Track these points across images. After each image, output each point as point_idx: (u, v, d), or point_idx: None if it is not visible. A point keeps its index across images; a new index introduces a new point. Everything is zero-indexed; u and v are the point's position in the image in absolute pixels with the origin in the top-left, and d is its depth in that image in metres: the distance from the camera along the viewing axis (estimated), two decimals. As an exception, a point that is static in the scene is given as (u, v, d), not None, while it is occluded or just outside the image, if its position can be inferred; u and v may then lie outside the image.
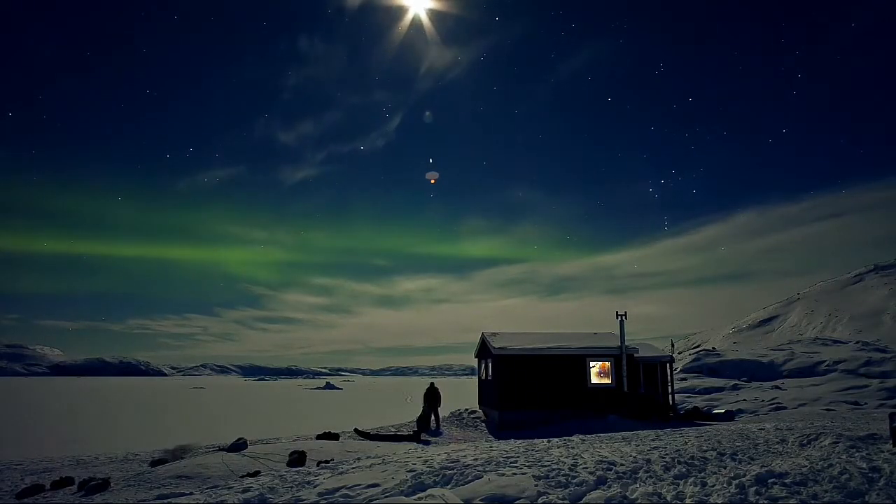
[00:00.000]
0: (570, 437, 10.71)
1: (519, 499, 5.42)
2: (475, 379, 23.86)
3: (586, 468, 6.46)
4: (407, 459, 7.82)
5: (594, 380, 18.88)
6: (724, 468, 6.52)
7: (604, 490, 5.61)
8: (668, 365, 20.21)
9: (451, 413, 21.44)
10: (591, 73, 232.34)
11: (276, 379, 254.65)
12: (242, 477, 9.03)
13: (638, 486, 5.70)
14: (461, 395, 36.70)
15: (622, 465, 6.63)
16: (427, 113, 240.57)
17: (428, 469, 6.74)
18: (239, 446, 12.75)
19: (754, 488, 5.39)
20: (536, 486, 5.77)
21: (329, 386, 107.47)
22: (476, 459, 7.21)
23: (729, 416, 20.67)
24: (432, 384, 19.27)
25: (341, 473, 7.10)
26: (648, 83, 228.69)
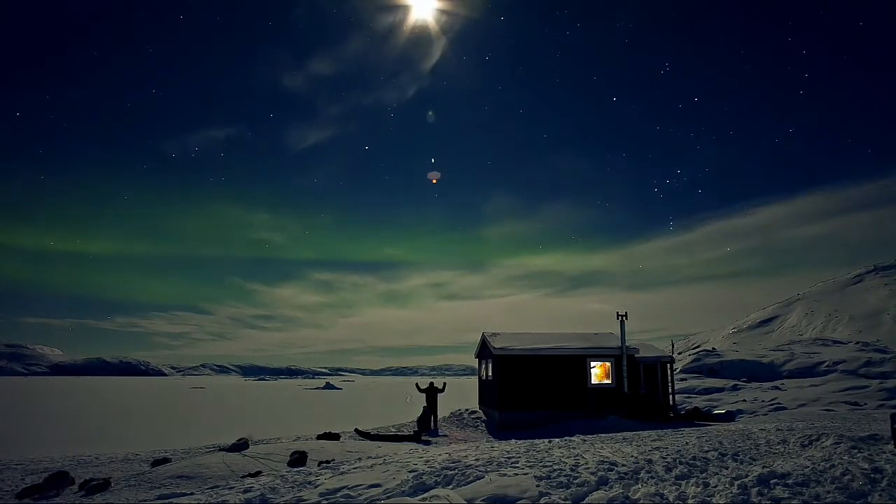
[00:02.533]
0: (571, 438, 10.70)
1: (521, 499, 5.41)
2: (475, 379, 23.85)
3: (588, 468, 6.46)
4: (408, 460, 7.82)
5: (594, 380, 18.87)
6: (726, 469, 6.51)
7: (606, 490, 5.60)
8: (668, 365, 20.20)
9: (451, 413, 21.43)
10: (595, 72, 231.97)
11: (276, 379, 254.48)
12: (243, 477, 9.03)
13: (640, 486, 5.70)
14: (461, 395, 36.70)
15: (624, 465, 6.63)
16: (430, 112, 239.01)
17: (429, 469, 6.73)
18: (240, 446, 12.75)
19: (756, 489, 5.39)
20: (538, 486, 5.77)
21: (329, 386, 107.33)
22: (477, 460, 7.20)
23: (729, 417, 20.67)
24: (431, 383, 19.25)
25: (342, 474, 7.10)
26: (653, 83, 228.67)
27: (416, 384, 19.82)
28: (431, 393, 18.70)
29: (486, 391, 21.07)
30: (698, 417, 20.41)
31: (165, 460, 12.29)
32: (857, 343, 39.05)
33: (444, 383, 20.16)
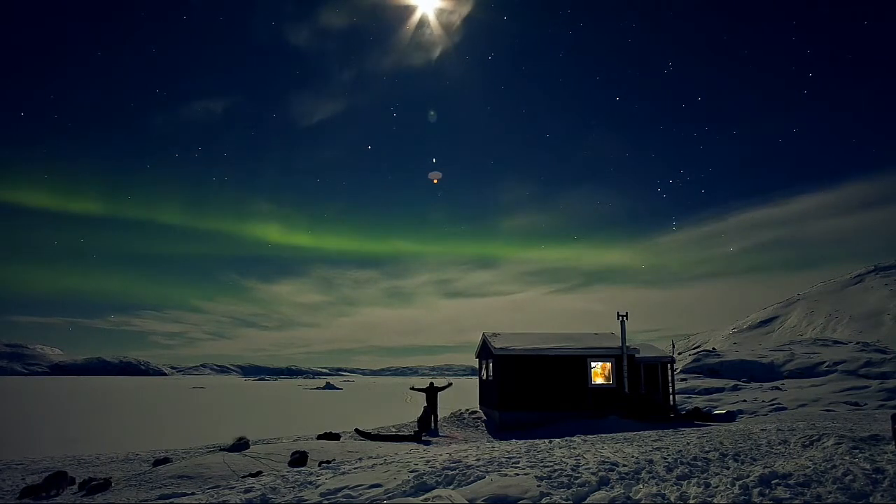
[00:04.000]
0: (572, 438, 10.70)
1: (522, 499, 5.41)
2: (476, 379, 23.85)
3: (588, 469, 6.46)
4: (409, 460, 7.82)
5: (595, 380, 18.86)
6: (727, 469, 6.51)
7: (607, 491, 5.60)
8: (668, 365, 20.18)
9: (452, 413, 21.43)
10: (598, 72, 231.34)
11: (276, 379, 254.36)
12: (244, 477, 9.03)
13: (641, 486, 5.69)
14: (461, 395, 36.69)
15: (624, 465, 6.62)
16: (432, 112, 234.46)
17: (430, 469, 6.73)
18: (240, 446, 12.73)
19: (758, 489, 5.38)
20: (539, 486, 5.76)
21: (329, 386, 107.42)
22: (478, 460, 7.20)
23: (730, 417, 20.66)
24: (431, 383, 19.25)
25: (343, 474, 7.10)
26: (657, 82, 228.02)
27: (412, 387, 19.75)
28: (432, 393, 18.69)
29: (487, 391, 21.07)
30: (699, 418, 20.40)
31: (166, 460, 12.29)
32: (858, 343, 39.03)
33: (450, 382, 20.07)
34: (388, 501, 5.60)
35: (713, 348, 43.46)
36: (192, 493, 7.34)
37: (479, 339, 21.84)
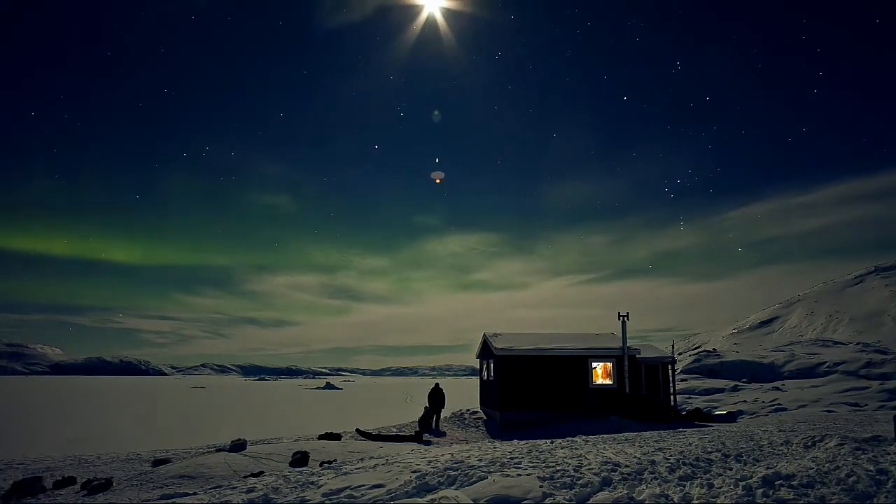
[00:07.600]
0: (574, 438, 10.70)
1: (524, 500, 5.40)
2: (476, 379, 23.84)
3: (591, 469, 6.45)
4: (410, 460, 7.82)
5: (596, 381, 18.85)
6: (730, 470, 6.50)
7: (610, 491, 5.59)
8: (669, 366, 20.16)
9: (453, 413, 21.41)
10: (606, 71, 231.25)
11: (276, 379, 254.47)
12: (245, 477, 9.02)
13: (644, 487, 5.68)
14: (462, 395, 36.69)
15: (627, 466, 6.62)
16: (436, 112, 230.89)
17: (432, 470, 6.72)
18: (239, 446, 12.71)
19: (761, 490, 5.37)
20: (542, 486, 5.76)
21: (329, 386, 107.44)
22: (480, 460, 7.20)
23: (731, 418, 20.65)
24: (437, 385, 19.25)
25: (345, 474, 7.09)
26: (665, 82, 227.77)
27: (425, 406, 18.80)
28: (436, 394, 18.68)
29: (488, 391, 21.05)
30: (699, 418, 20.39)
31: (167, 460, 12.27)
32: (858, 344, 39.04)
33: (426, 407, 18.47)
34: (392, 502, 5.59)
35: (713, 349, 43.43)
36: (194, 493, 7.33)
37: (478, 339, 21.82)
